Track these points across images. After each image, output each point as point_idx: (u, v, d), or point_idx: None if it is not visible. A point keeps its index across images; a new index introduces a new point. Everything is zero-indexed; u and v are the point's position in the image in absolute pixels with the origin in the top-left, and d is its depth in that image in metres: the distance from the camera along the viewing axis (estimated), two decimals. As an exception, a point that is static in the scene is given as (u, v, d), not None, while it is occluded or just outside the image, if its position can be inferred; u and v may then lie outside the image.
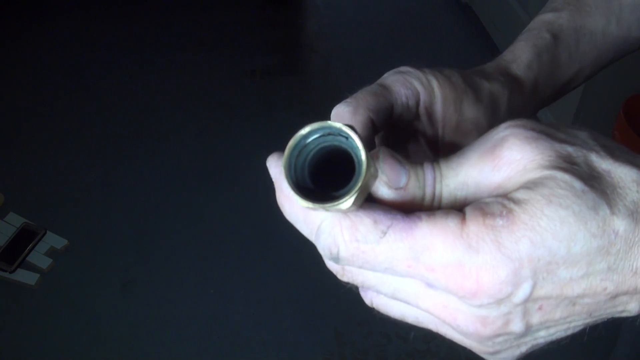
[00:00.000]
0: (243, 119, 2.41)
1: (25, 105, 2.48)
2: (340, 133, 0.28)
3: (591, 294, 0.28)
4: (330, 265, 0.31)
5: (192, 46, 2.79)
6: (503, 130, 0.29)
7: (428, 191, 0.30)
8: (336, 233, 0.28)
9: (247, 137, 2.32)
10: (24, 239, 1.93)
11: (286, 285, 1.86)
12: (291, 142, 0.28)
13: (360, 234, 0.28)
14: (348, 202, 0.27)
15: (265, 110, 2.45)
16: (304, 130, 0.28)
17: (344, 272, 0.31)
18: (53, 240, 1.95)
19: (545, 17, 0.53)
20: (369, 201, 0.30)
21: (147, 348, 1.72)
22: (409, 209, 0.29)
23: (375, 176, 0.29)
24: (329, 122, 0.28)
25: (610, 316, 0.30)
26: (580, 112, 1.98)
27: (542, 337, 0.30)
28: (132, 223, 2.03)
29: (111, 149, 2.29)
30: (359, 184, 0.26)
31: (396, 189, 0.29)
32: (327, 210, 0.27)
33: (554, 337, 0.31)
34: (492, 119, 0.44)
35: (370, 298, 0.32)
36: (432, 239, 0.27)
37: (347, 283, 0.32)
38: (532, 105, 0.49)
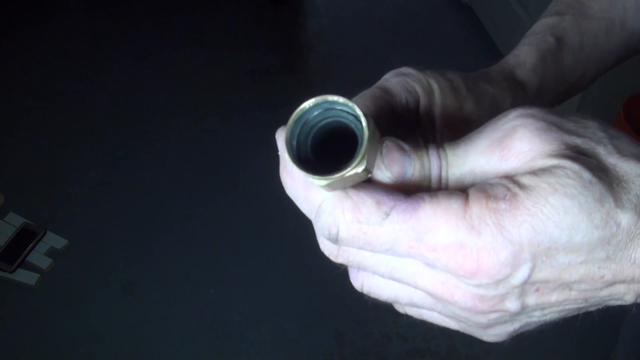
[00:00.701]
0: (243, 118, 2.41)
1: (25, 105, 2.48)
2: (347, 111, 0.28)
3: (588, 280, 0.28)
4: (325, 246, 0.31)
5: (192, 46, 2.79)
6: (513, 119, 0.29)
7: (434, 177, 0.30)
8: (337, 213, 0.28)
9: (247, 137, 2.32)
10: (24, 239, 1.93)
11: (286, 285, 1.86)
12: (295, 114, 0.28)
13: (363, 215, 0.28)
14: (324, 181, 0.27)
15: (265, 110, 2.45)
16: (309, 103, 0.28)
17: (339, 253, 0.30)
18: (53, 240, 1.95)
19: (549, 20, 0.52)
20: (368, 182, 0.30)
21: (147, 348, 1.72)
22: (414, 192, 0.29)
23: (369, 171, 0.28)
24: (338, 97, 0.28)
25: (605, 304, 0.31)
26: (580, 112, 1.98)
27: (536, 316, 0.31)
28: (132, 223, 2.03)
29: (111, 149, 2.29)
30: (340, 174, 0.26)
31: (402, 181, 0.30)
32: (313, 182, 0.27)
33: (547, 319, 0.31)
34: None
35: (361, 281, 0.32)
36: (435, 220, 0.27)
37: (341, 265, 0.32)
38: None
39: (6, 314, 1.79)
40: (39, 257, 1.91)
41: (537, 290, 0.28)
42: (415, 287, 0.30)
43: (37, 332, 1.74)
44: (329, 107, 0.28)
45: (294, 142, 0.28)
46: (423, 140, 0.42)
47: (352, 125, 0.28)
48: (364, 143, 0.27)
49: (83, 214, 2.05)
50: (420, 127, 0.42)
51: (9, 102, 2.49)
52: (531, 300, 0.29)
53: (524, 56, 0.49)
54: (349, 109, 0.28)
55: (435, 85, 0.40)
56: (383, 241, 0.28)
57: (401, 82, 0.39)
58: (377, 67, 0.42)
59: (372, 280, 0.32)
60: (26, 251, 1.90)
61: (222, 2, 3.05)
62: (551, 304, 0.29)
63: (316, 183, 0.27)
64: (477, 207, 0.27)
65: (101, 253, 1.94)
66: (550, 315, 0.31)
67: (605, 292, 0.29)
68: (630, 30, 0.54)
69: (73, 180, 2.16)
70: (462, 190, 0.29)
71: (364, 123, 0.27)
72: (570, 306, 0.30)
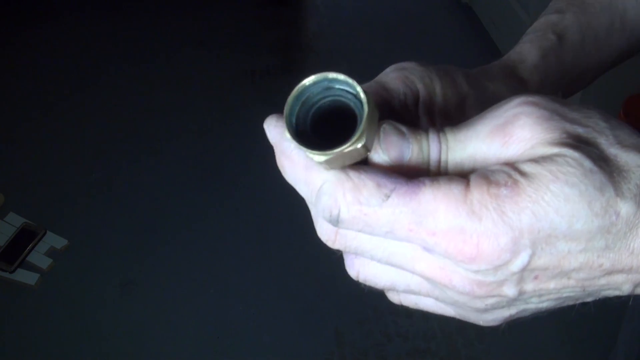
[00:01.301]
0: (243, 119, 2.41)
1: (25, 105, 2.48)
2: (348, 90, 0.28)
3: (587, 269, 0.28)
4: (323, 231, 0.31)
5: (191, 46, 2.79)
6: (516, 107, 0.29)
7: (433, 161, 0.30)
8: (338, 194, 0.28)
9: (247, 137, 2.32)
10: (24, 239, 1.93)
11: (286, 285, 1.86)
12: (295, 90, 0.28)
13: (363, 196, 0.28)
14: (322, 157, 0.27)
15: (265, 110, 2.42)
16: (309, 80, 0.28)
17: (337, 238, 0.30)
18: (53, 240, 1.95)
19: (550, 18, 0.53)
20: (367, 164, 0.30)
21: (147, 348, 1.72)
22: (412, 176, 0.29)
23: (367, 149, 0.29)
24: (338, 74, 0.28)
25: (603, 295, 0.31)
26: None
27: (534, 303, 0.31)
28: (132, 223, 2.03)
29: (111, 149, 2.29)
30: (340, 149, 0.26)
31: (399, 164, 0.30)
32: (309, 156, 0.28)
33: (544, 306, 0.31)
34: None
35: (357, 269, 0.32)
36: (435, 204, 0.27)
37: (338, 250, 0.32)
38: None
39: (6, 314, 1.79)
40: (39, 257, 1.91)
41: (536, 277, 0.29)
42: (413, 272, 0.30)
43: (37, 332, 1.74)
44: (329, 85, 0.28)
45: (293, 120, 0.28)
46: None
47: (352, 104, 0.28)
48: (363, 119, 0.27)
49: (83, 214, 2.06)
50: (419, 124, 0.42)
51: (9, 102, 2.49)
52: (529, 286, 0.29)
53: (525, 53, 0.49)
54: (350, 87, 0.28)
55: (436, 81, 0.40)
56: (383, 223, 0.28)
57: (400, 77, 0.39)
58: (377, 67, 0.42)
59: (368, 267, 0.32)
60: (26, 251, 1.90)
61: (222, 2, 3.06)
62: (549, 291, 0.29)
63: (315, 159, 0.27)
64: (478, 193, 0.27)
65: (101, 253, 1.94)
66: (547, 302, 0.31)
67: (603, 281, 0.29)
68: (631, 28, 0.54)
69: (73, 180, 2.16)
70: (462, 176, 0.29)
71: (364, 99, 0.27)
72: (568, 294, 0.30)
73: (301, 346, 1.73)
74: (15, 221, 1.99)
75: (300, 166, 0.30)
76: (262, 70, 2.68)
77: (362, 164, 0.30)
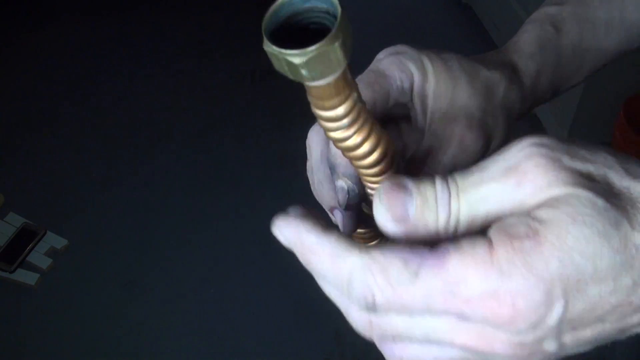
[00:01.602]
0: (243, 119, 2.41)
1: (25, 105, 2.48)
2: (325, 6, 0.27)
3: (619, 310, 0.28)
4: (358, 321, 0.30)
5: (191, 47, 2.79)
6: (527, 147, 0.29)
7: (442, 211, 0.29)
8: (369, 279, 0.27)
9: (247, 138, 2.32)
10: (24, 239, 1.93)
11: (286, 285, 1.86)
12: (271, 9, 0.28)
13: (393, 277, 0.27)
14: (300, 58, 0.26)
15: (265, 110, 2.45)
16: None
17: (372, 327, 0.30)
18: (53, 240, 1.95)
19: (549, 9, 0.53)
20: (386, 240, 0.29)
21: (147, 348, 1.72)
22: (423, 233, 0.29)
23: (345, 53, 0.27)
24: None
25: (635, 332, 0.30)
26: (581, 111, 1.98)
27: (572, 350, 0.30)
28: (132, 223, 2.03)
29: (111, 150, 2.29)
30: (317, 45, 0.26)
31: (404, 220, 0.29)
32: (284, 56, 0.27)
33: (581, 350, 0.31)
34: (486, 107, 0.43)
35: (400, 357, 0.31)
36: (464, 270, 0.26)
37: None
38: (530, 99, 0.48)
39: (6, 314, 1.79)
40: (38, 257, 1.91)
41: (573, 328, 0.28)
42: (453, 346, 0.29)
43: (37, 332, 1.74)
44: (305, 6, 0.28)
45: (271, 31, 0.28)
46: (415, 118, 0.42)
47: (329, 24, 0.28)
48: (338, 16, 0.26)
49: (83, 214, 2.06)
50: (413, 110, 0.42)
51: (9, 102, 2.49)
52: (568, 338, 0.28)
53: (521, 43, 0.49)
54: (325, 2, 0.27)
55: (429, 64, 0.40)
56: (418, 300, 0.27)
57: (395, 61, 0.39)
58: (376, 68, 0.42)
59: (409, 352, 0.31)
60: (26, 251, 1.90)
61: (222, 2, 3.05)
62: (587, 339, 0.29)
63: (295, 61, 0.26)
64: (503, 250, 0.26)
65: (101, 253, 1.94)
66: (584, 347, 0.30)
67: (635, 319, 0.29)
68: (629, 24, 0.54)
69: (73, 180, 2.16)
70: (477, 224, 0.28)
71: (336, 2, 0.26)
72: (604, 338, 0.30)
73: (301, 346, 1.73)
74: (15, 221, 1.99)
75: (326, 255, 0.29)
76: (262, 70, 2.68)
77: (385, 243, 0.29)
